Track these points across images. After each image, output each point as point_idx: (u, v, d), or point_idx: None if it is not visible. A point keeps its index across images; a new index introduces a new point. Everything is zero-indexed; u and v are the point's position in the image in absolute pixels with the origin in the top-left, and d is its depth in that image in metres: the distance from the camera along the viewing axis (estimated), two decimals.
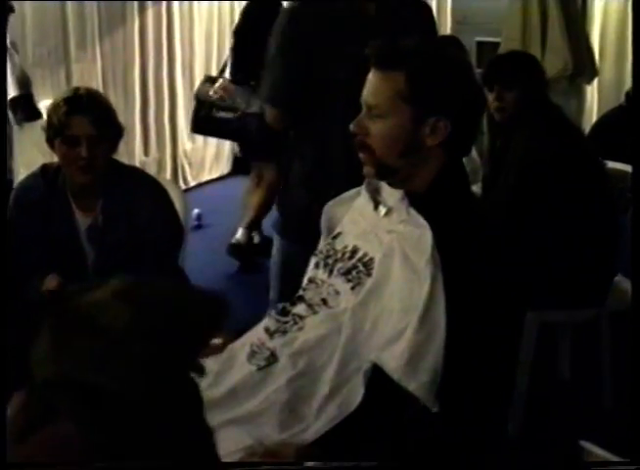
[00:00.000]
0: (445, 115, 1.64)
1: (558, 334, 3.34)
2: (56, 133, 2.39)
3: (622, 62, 6.36)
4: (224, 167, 7.11)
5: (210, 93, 4.77)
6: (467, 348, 1.52)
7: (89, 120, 2.36)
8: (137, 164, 5.53)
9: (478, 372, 1.54)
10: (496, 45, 5.56)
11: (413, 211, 1.64)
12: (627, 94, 5.47)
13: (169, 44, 6.30)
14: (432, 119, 1.64)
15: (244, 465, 1.55)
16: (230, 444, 1.60)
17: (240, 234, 4.99)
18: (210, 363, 1.77)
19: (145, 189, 2.53)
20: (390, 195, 1.74)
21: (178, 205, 2.71)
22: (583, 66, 5.20)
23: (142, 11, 5.95)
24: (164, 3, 6.20)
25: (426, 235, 1.58)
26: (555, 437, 2.95)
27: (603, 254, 3.04)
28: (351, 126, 1.71)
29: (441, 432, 1.50)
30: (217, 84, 4.80)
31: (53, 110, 2.40)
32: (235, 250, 4.95)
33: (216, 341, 1.99)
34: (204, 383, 1.70)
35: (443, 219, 1.61)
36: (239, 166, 6.54)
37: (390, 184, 1.74)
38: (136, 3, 5.88)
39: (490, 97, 3.20)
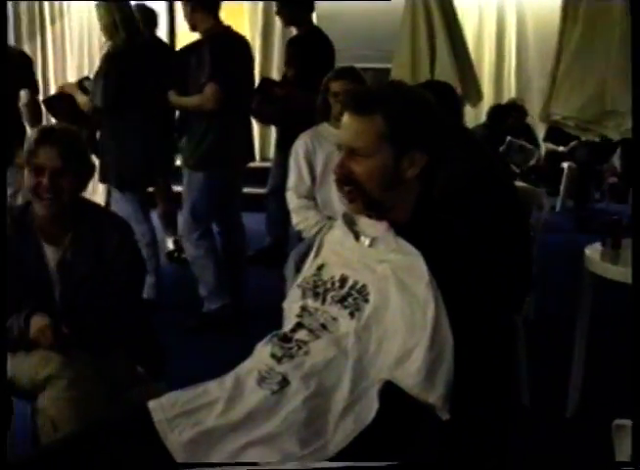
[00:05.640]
0: (421, 148, 1.85)
1: None
2: (26, 161, 2.46)
3: (499, 83, 6.76)
4: None
5: None
6: (470, 355, 1.72)
7: (57, 152, 2.43)
8: None
9: (482, 376, 1.75)
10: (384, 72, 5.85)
11: (402, 241, 1.83)
12: (488, 113, 6.08)
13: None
14: (410, 154, 1.84)
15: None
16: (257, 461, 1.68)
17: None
18: (216, 391, 1.84)
19: (111, 223, 2.62)
20: (369, 226, 1.91)
21: None
22: (470, 89, 5.53)
23: None
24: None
25: (419, 262, 1.76)
26: None
27: (519, 268, 3.32)
28: (335, 169, 1.88)
29: (452, 437, 1.72)
30: None
31: (28, 139, 2.48)
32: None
33: None
34: (214, 411, 1.76)
35: (430, 245, 1.80)
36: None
37: (370, 216, 1.91)
38: None
39: None
